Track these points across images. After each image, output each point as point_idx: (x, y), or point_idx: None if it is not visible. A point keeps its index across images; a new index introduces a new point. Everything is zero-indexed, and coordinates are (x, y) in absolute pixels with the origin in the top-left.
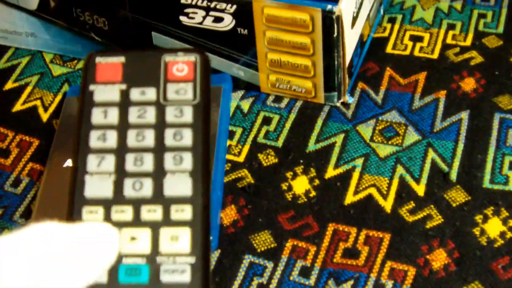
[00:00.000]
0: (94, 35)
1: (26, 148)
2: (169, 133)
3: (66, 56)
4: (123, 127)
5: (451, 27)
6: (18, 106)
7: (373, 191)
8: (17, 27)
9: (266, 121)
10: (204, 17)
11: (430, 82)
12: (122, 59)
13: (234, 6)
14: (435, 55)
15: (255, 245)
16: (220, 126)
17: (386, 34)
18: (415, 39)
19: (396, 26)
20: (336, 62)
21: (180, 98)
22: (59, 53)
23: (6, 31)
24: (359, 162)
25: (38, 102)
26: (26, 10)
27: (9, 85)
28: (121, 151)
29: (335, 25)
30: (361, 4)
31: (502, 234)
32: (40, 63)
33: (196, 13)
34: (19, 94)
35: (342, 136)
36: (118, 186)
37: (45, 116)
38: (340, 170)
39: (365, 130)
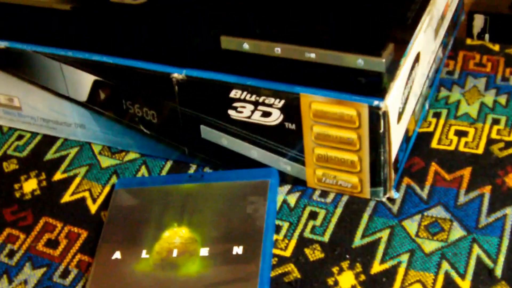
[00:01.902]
0: (143, 128)
1: (75, 239)
2: None
3: (115, 148)
4: None
5: (495, 121)
6: (66, 197)
7: (418, 287)
8: (66, 118)
9: (313, 215)
10: (252, 111)
11: (475, 177)
12: None
13: (282, 101)
14: (480, 150)
15: None
16: (267, 220)
17: (431, 129)
18: (460, 134)
19: (441, 121)
20: (382, 157)
21: None
22: (107, 144)
23: (56, 122)
24: (405, 257)
25: (86, 194)
26: (76, 101)
27: (58, 175)
28: None
29: (382, 121)
30: (407, 99)
31: None
32: (89, 154)
33: (244, 107)
34: (67, 185)
35: (387, 231)
36: None
37: (93, 208)
38: (385, 265)
39: (411, 225)
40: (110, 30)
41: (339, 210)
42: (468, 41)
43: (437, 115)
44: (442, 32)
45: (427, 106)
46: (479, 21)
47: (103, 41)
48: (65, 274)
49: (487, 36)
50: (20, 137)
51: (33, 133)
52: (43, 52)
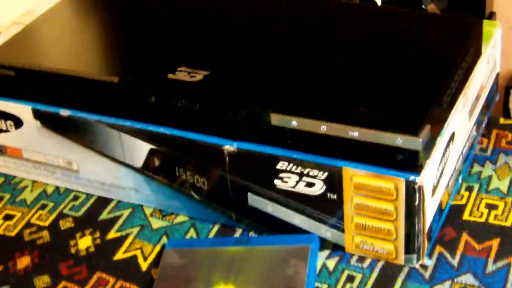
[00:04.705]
0: (193, 193)
1: None
2: None
3: (165, 211)
4: None
5: None
6: (119, 255)
7: None
8: (121, 182)
9: (350, 279)
10: (297, 182)
11: (503, 248)
12: None
13: (326, 173)
14: (509, 223)
15: None
16: (307, 282)
17: (463, 201)
18: (491, 207)
19: (473, 195)
20: (416, 227)
21: None
22: (158, 207)
23: (111, 185)
24: None
25: (138, 252)
26: (131, 166)
27: (112, 234)
28: None
29: (417, 194)
30: (441, 174)
31: None
32: (141, 215)
33: (290, 178)
34: (120, 243)
35: None
36: None
37: (144, 265)
38: None
39: None
40: (168, 104)
41: (374, 275)
42: (501, 120)
43: (469, 189)
44: (477, 112)
45: (460, 181)
46: None
47: (160, 113)
48: None
49: None
50: (76, 198)
51: (89, 194)
52: (103, 121)
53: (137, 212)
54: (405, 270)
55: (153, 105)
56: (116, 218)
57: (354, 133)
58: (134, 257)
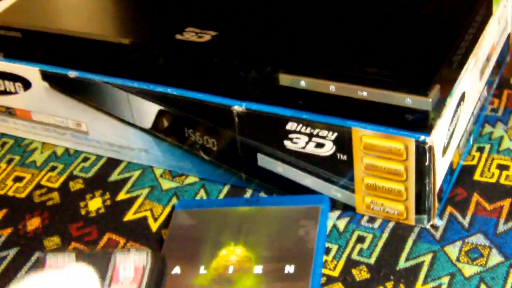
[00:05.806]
0: (203, 154)
1: None
2: None
3: (175, 172)
4: None
5: None
6: (129, 216)
7: None
8: (131, 143)
9: (360, 239)
10: (307, 143)
11: None
12: (72, 257)
13: (335, 134)
14: None
15: None
16: (317, 242)
17: (474, 162)
18: (502, 167)
19: (484, 155)
20: (427, 188)
21: None
22: (168, 168)
23: (121, 147)
24: (446, 280)
25: (148, 213)
26: (140, 127)
27: (122, 195)
28: None
29: (427, 154)
30: (452, 135)
31: None
32: (151, 177)
33: (299, 138)
34: (130, 204)
35: (430, 255)
36: None
37: (154, 226)
38: (427, 287)
39: (452, 251)
40: (176, 65)
41: (385, 235)
42: None
43: (480, 150)
44: (488, 72)
45: (471, 141)
46: None
47: (169, 74)
48: None
49: None
50: (85, 159)
51: (98, 155)
52: (111, 82)
53: (147, 173)
54: (416, 230)
55: (161, 66)
56: (126, 179)
57: (364, 93)
58: (144, 218)
